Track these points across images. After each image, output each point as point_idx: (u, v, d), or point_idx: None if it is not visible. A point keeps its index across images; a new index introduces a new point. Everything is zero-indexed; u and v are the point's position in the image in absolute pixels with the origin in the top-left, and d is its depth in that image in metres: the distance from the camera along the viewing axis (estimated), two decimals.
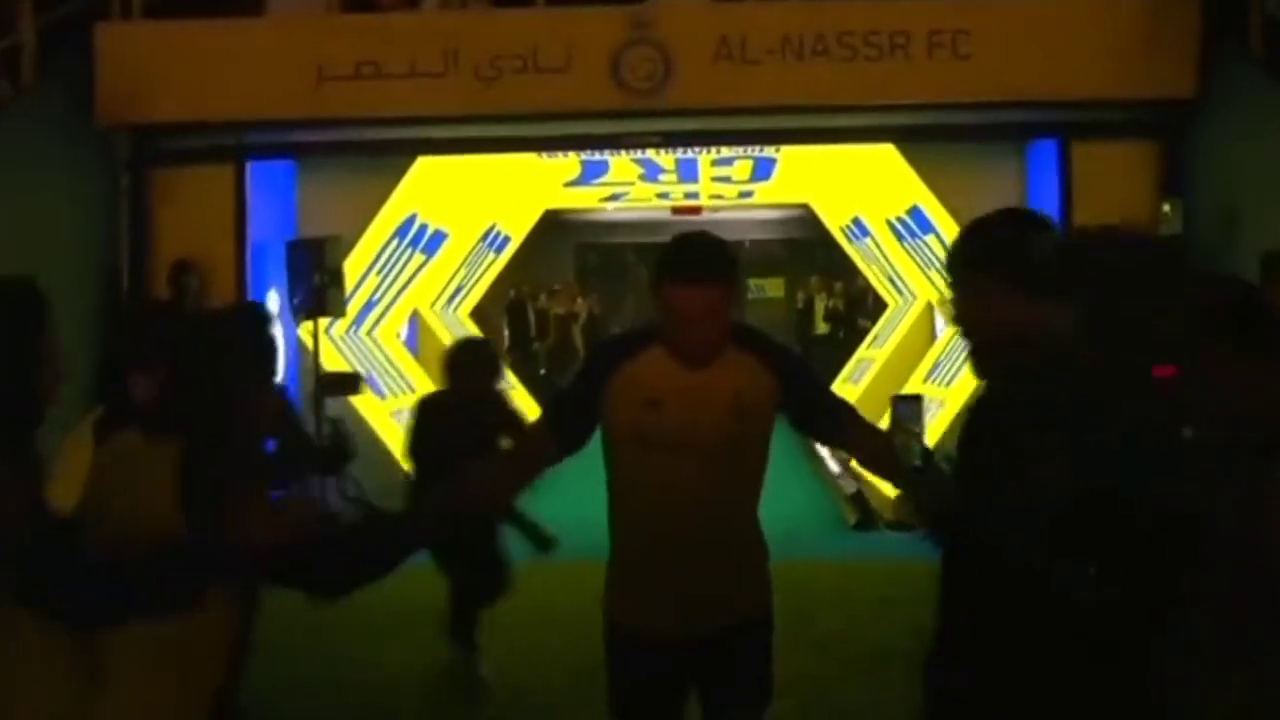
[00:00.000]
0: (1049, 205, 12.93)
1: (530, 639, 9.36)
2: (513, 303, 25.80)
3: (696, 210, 22.35)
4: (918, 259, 16.83)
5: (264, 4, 12.80)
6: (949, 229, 14.12)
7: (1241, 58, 11.11)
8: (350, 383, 12.28)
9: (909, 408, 4.39)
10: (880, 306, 21.90)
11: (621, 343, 5.24)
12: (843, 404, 5.28)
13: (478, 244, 20.03)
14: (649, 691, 5.18)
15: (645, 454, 4.97)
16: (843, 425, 5.17)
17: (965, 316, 3.93)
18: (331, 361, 13.37)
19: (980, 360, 3.94)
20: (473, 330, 20.92)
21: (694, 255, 4.90)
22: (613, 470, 5.04)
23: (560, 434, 5.00)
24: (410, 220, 15.76)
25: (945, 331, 16.59)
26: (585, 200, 20.87)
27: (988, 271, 3.88)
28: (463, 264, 19.69)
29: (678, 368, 4.92)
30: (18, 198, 10.67)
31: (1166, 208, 11.60)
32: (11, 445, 3.71)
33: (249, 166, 13.01)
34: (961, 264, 3.95)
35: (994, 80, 11.93)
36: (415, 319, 18.71)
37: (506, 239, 21.62)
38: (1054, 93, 12.14)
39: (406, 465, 8.59)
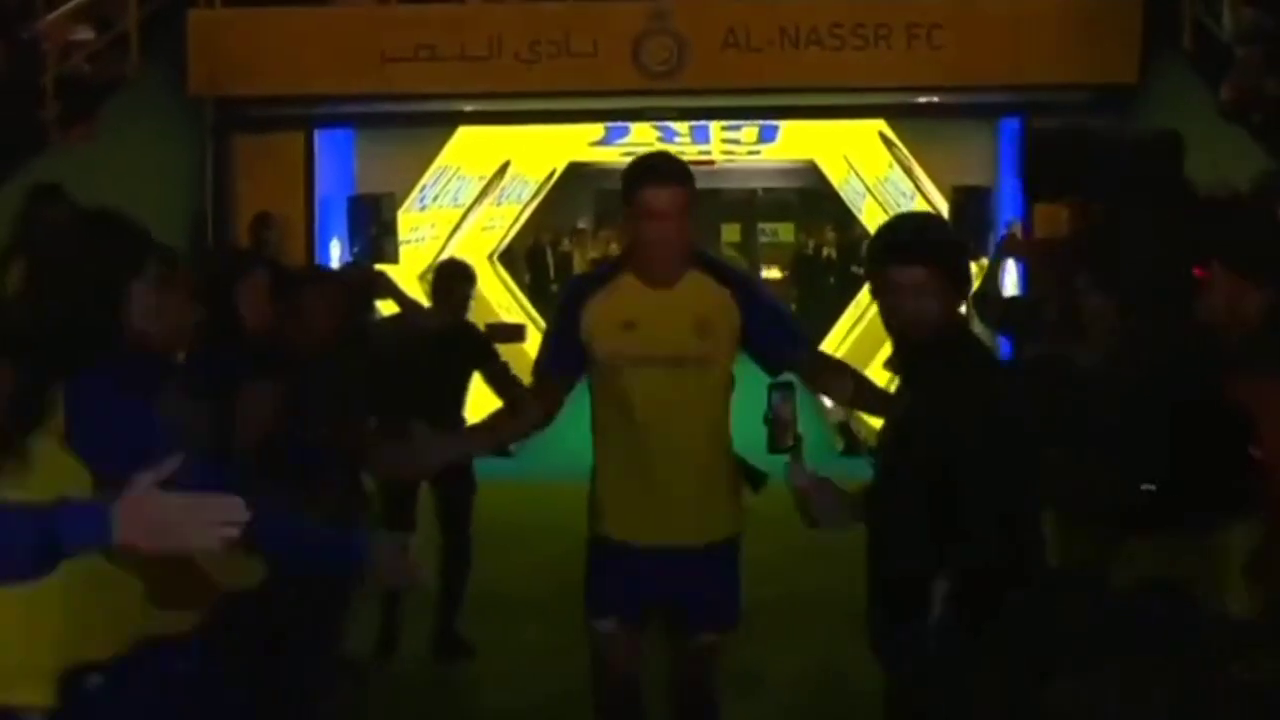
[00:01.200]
0: (1014, 174, 14.81)
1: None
2: (533, 248, 27.24)
3: (710, 163, 23.74)
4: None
5: None
6: (936, 191, 16.01)
7: (1176, 51, 12.75)
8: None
9: (783, 394, 4.51)
10: None
11: (593, 275, 5.87)
12: (800, 333, 5.63)
13: (498, 189, 21.64)
14: (625, 599, 5.45)
15: (620, 373, 5.33)
16: (797, 350, 5.46)
17: (905, 313, 4.21)
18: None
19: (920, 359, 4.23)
20: (502, 273, 22.77)
21: (659, 161, 5.42)
22: (594, 391, 5.42)
23: (560, 375, 5.43)
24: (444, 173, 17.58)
25: None
26: (607, 156, 22.58)
27: (929, 267, 4.18)
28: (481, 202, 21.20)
29: (647, 290, 5.33)
30: (125, 160, 12.41)
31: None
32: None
33: (316, 134, 14.89)
34: (900, 258, 4.21)
35: (964, 67, 13.52)
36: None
37: (529, 187, 23.33)
38: (1017, 77, 13.75)
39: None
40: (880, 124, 16.30)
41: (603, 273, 5.60)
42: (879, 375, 11.29)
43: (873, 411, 6.29)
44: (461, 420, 8.51)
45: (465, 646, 8.66)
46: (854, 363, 12.70)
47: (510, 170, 20.75)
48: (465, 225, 19.26)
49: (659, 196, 5.18)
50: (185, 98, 13.77)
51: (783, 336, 5.44)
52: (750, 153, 22.25)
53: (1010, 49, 13.52)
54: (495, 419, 5.83)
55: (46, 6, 11.91)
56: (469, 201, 19.09)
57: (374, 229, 14.51)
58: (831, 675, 8.20)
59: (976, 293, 8.30)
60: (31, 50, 11.12)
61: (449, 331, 8.52)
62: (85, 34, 12.07)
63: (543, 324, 19.97)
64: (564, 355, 5.39)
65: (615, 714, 5.61)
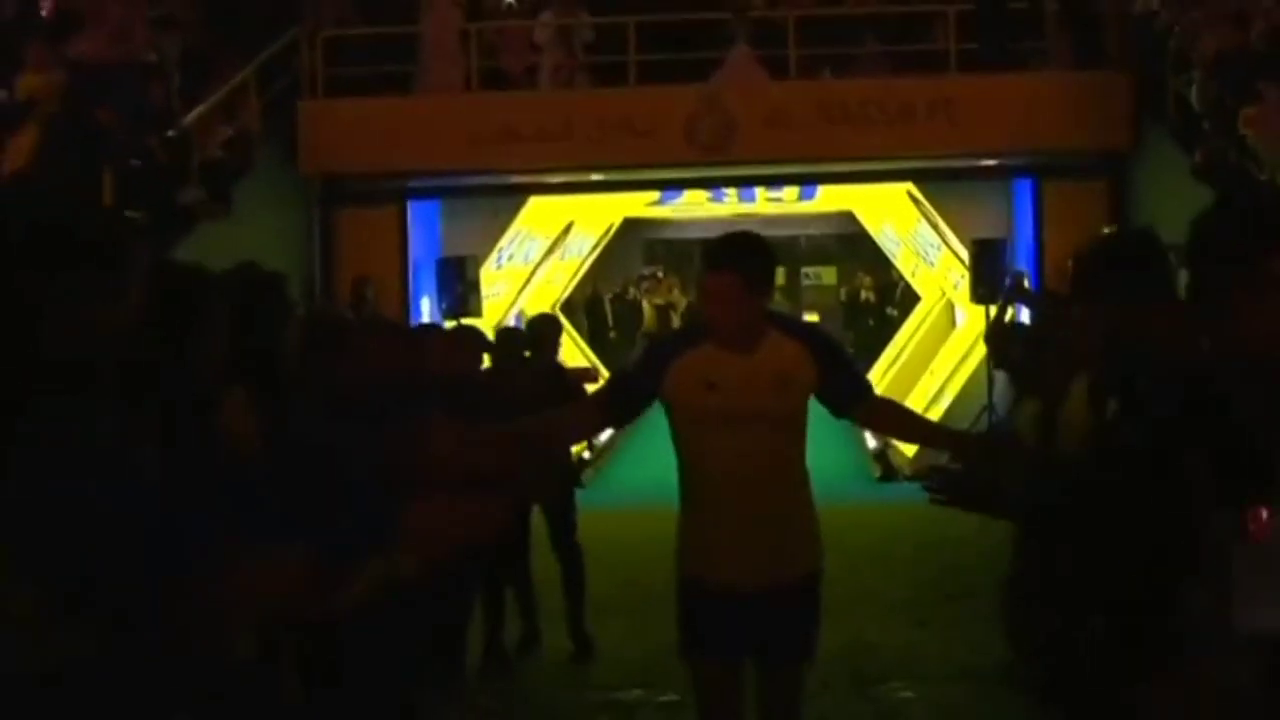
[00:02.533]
0: (1028, 228, 16.77)
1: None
2: (591, 298, 29.02)
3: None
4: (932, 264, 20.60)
5: (412, 83, 16.59)
6: (958, 243, 17.95)
7: (1161, 122, 14.67)
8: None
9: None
10: (906, 299, 25.51)
11: (679, 338, 6.11)
12: (865, 381, 6.00)
13: (563, 246, 23.58)
14: (725, 641, 5.62)
15: (704, 430, 5.55)
16: (862, 399, 5.78)
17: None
18: None
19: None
20: (566, 325, 24.59)
21: (717, 247, 5.66)
22: (678, 445, 5.64)
23: (614, 408, 5.78)
24: (518, 235, 19.59)
25: (962, 323, 20.19)
26: (660, 213, 24.56)
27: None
28: (547, 259, 23.13)
29: (728, 355, 5.50)
30: (250, 233, 14.34)
31: (1106, 231, 15.15)
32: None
33: (409, 205, 16.93)
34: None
35: (978, 136, 15.58)
36: (518, 315, 22.41)
37: (588, 242, 25.26)
38: (1026, 144, 15.83)
39: None
40: (908, 185, 18.25)
41: (687, 338, 5.86)
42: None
43: (937, 447, 7.24)
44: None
45: (591, 643, 9.71)
46: (896, 391, 14.34)
47: (573, 229, 22.70)
48: (534, 281, 21.21)
49: (712, 282, 5.49)
50: (297, 176, 15.84)
51: (851, 386, 5.76)
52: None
53: (1019, 120, 15.52)
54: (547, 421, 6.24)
55: (184, 104, 13.87)
56: (538, 259, 21.06)
57: (460, 287, 16.50)
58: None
59: (985, 333, 10.06)
60: (180, 144, 13.07)
61: (550, 374, 9.72)
62: (224, 129, 13.97)
63: (604, 370, 21.83)
64: (630, 395, 5.70)
65: None
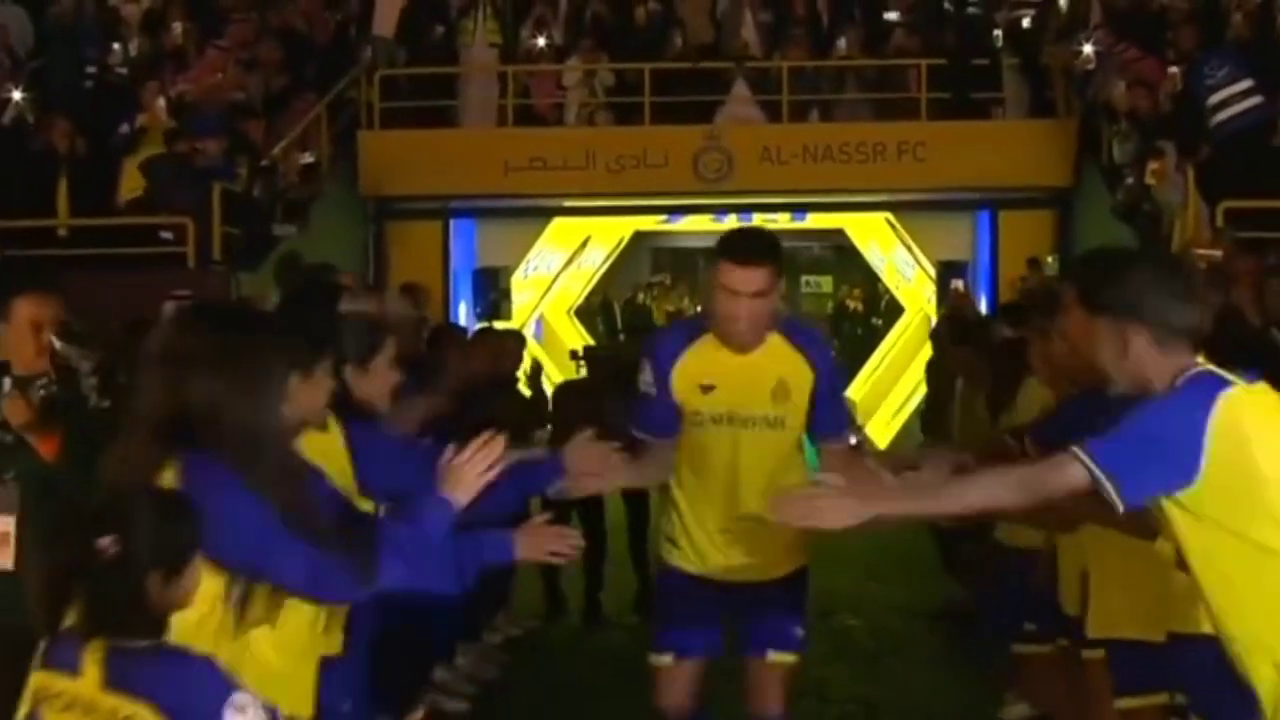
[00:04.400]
0: (985, 251, 19.21)
1: None
2: (603, 303, 30.97)
3: None
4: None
5: (454, 117, 18.89)
6: (928, 263, 20.32)
7: (1096, 164, 16.91)
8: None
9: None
10: (891, 310, 27.65)
11: (676, 336, 5.78)
12: (845, 421, 5.84)
13: (580, 258, 25.80)
14: (688, 635, 5.69)
15: (699, 429, 5.52)
16: (836, 437, 5.57)
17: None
18: None
19: None
20: (579, 326, 26.78)
21: (744, 239, 5.50)
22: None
23: (671, 434, 5.58)
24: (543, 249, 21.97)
25: None
26: (668, 227, 26.80)
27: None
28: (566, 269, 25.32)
29: (728, 354, 5.41)
30: (321, 245, 16.47)
31: (1050, 259, 17.31)
32: None
33: (451, 222, 19.39)
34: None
35: (943, 174, 17.82)
36: (538, 320, 24.70)
37: (601, 253, 27.50)
38: (987, 180, 18.07)
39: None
40: (885, 214, 20.68)
41: (687, 333, 5.65)
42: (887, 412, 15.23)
43: None
44: None
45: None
46: (874, 398, 16.46)
47: (589, 242, 24.99)
48: (554, 289, 23.57)
49: (733, 275, 5.28)
50: (357, 197, 18.22)
51: (830, 419, 5.58)
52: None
53: (980, 160, 17.70)
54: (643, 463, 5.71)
55: (267, 137, 16.24)
56: (558, 269, 23.40)
57: (493, 294, 18.95)
58: None
59: (931, 332, 12.34)
60: (269, 174, 15.51)
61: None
62: (300, 157, 16.39)
63: None
64: (668, 415, 5.56)
65: None
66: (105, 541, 3.17)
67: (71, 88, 16.97)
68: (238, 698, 3.21)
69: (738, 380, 5.46)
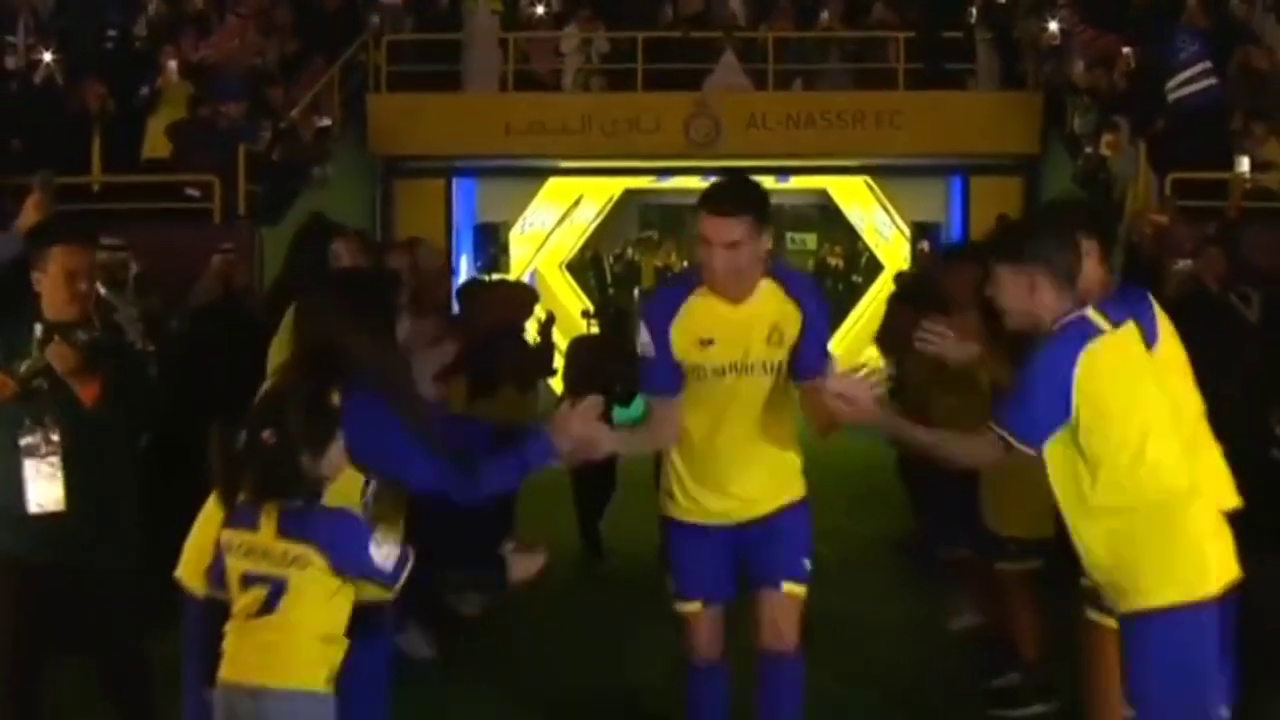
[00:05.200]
0: (958, 213, 20.35)
1: None
2: (593, 258, 31.87)
3: None
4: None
5: (458, 81, 19.75)
6: (904, 225, 21.44)
7: (1061, 133, 17.98)
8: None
9: None
10: (870, 267, 28.76)
11: (669, 294, 5.62)
12: (826, 361, 5.58)
13: (572, 214, 26.85)
14: (708, 581, 5.72)
15: (700, 381, 5.47)
16: (817, 376, 5.38)
17: None
18: None
19: None
20: (570, 279, 27.78)
21: (721, 191, 5.32)
22: None
23: (677, 391, 5.51)
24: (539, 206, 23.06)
25: None
26: (657, 186, 27.82)
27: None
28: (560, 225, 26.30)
29: (722, 305, 5.37)
30: (334, 199, 17.38)
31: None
32: None
33: (454, 181, 20.46)
34: None
35: (919, 141, 18.94)
36: (533, 273, 25.76)
37: (593, 210, 28.53)
38: (960, 148, 19.20)
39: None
40: (865, 178, 21.81)
41: (681, 290, 5.55)
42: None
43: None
44: None
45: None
46: (853, 353, 17.22)
47: (581, 200, 26.06)
48: (548, 244, 24.69)
49: (710, 226, 5.23)
50: (367, 155, 19.26)
51: (809, 358, 5.52)
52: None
53: (953, 128, 18.85)
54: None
55: (284, 99, 17.26)
56: (552, 226, 24.50)
57: (492, 248, 20.08)
58: None
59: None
60: (289, 133, 16.56)
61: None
62: (315, 119, 17.42)
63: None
64: (668, 374, 5.51)
65: (696, 696, 5.94)
66: (267, 433, 4.29)
67: (94, 50, 17.89)
68: (377, 535, 4.32)
69: (736, 331, 5.44)
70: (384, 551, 4.30)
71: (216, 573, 4.46)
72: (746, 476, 5.59)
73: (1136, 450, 4.84)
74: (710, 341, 5.44)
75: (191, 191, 15.38)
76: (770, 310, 5.44)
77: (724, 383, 5.48)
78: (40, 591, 5.71)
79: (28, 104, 16.02)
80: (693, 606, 5.79)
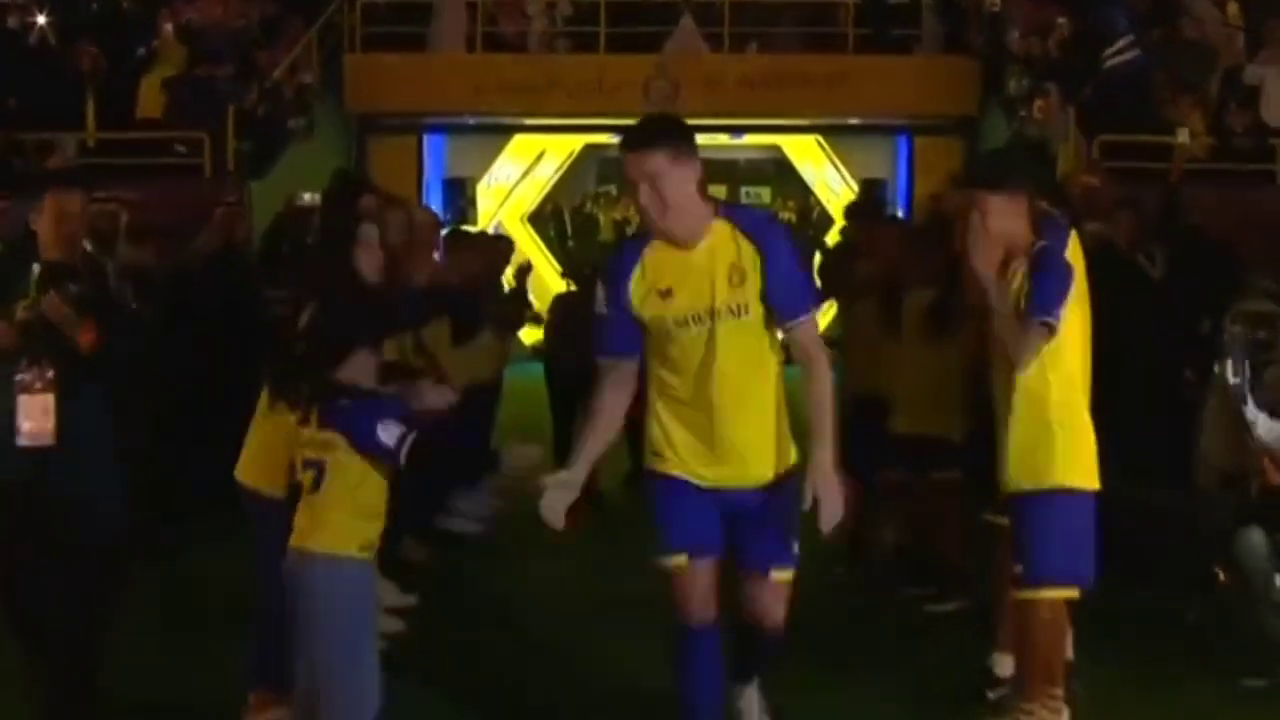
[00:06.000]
0: (904, 171, 21.50)
1: None
2: (553, 211, 32.82)
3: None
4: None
5: (428, 42, 20.42)
6: (852, 180, 22.50)
7: (999, 96, 18.89)
8: None
9: None
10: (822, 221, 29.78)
11: (627, 252, 5.53)
12: (807, 298, 5.45)
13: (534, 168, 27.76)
14: (693, 532, 5.49)
15: (668, 337, 5.38)
16: (797, 315, 5.34)
17: None
18: None
19: None
20: (531, 231, 28.66)
21: (634, 128, 5.31)
22: (645, 348, 5.48)
23: (632, 354, 5.51)
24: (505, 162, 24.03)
25: None
26: (616, 142, 28.70)
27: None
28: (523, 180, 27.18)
29: (676, 253, 5.30)
30: (314, 152, 18.27)
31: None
32: None
33: (425, 138, 21.44)
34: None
35: (866, 103, 20.02)
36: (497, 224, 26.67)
37: (554, 165, 29.47)
38: (905, 109, 20.34)
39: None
40: (816, 136, 22.87)
41: (637, 246, 5.49)
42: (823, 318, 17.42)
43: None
44: None
45: None
46: None
47: (544, 155, 26.99)
48: (511, 197, 25.66)
49: (628, 163, 5.23)
50: (343, 113, 20.20)
51: (786, 297, 5.36)
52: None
53: (899, 90, 19.88)
54: (589, 441, 5.62)
55: (266, 59, 18.16)
56: (516, 180, 25.47)
57: (461, 201, 21.11)
58: None
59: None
60: (273, 92, 17.51)
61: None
62: (296, 78, 18.36)
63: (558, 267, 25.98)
64: (624, 333, 5.48)
65: (686, 659, 5.65)
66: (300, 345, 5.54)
67: (84, 12, 18.73)
68: (387, 421, 5.27)
69: (695, 276, 5.33)
70: (389, 431, 5.25)
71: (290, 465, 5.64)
72: (736, 439, 5.45)
73: (1080, 345, 6.02)
74: (669, 291, 5.36)
75: (180, 148, 16.30)
76: (725, 250, 5.32)
77: (696, 336, 5.37)
78: (24, 517, 6.04)
79: (23, 63, 16.89)
80: (679, 559, 5.55)
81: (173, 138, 16.35)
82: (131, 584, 6.56)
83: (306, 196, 14.29)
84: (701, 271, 5.32)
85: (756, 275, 5.30)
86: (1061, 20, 17.49)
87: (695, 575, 5.53)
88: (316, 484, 5.41)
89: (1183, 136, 15.14)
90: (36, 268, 6.06)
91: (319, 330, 5.66)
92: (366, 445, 5.33)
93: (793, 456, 5.55)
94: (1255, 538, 7.26)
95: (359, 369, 5.42)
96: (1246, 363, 8.50)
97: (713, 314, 5.33)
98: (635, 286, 5.40)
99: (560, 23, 20.88)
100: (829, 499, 5.26)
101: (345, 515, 5.38)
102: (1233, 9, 17.81)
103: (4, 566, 6.09)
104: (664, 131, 5.27)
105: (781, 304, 5.35)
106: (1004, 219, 6.01)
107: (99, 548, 6.09)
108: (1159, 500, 8.99)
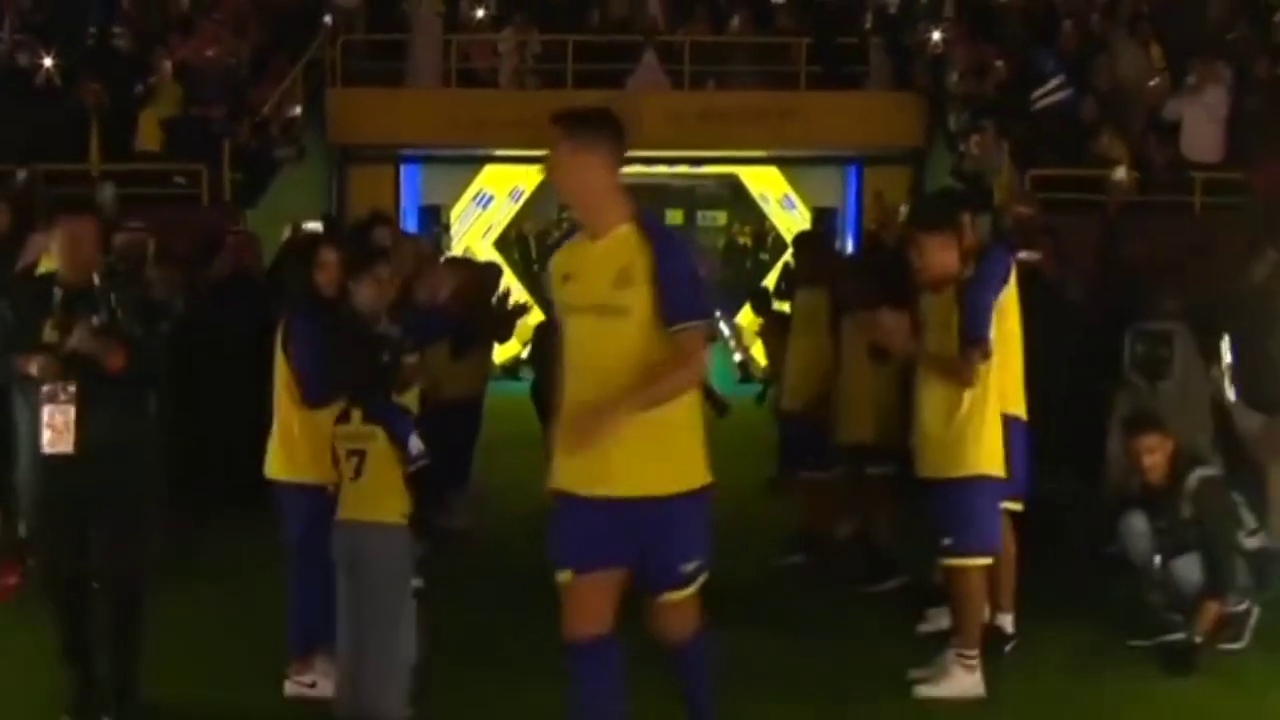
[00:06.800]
0: (853, 199, 22.75)
1: None
2: (518, 235, 34.01)
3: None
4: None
5: (405, 77, 21.71)
6: (806, 210, 23.78)
7: (943, 130, 20.20)
8: None
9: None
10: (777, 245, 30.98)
11: (566, 234, 6.12)
12: (687, 310, 5.40)
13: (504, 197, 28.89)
14: (577, 550, 5.50)
15: (567, 323, 5.55)
16: (672, 323, 5.36)
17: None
18: None
19: None
20: (497, 255, 29.74)
21: (553, 118, 5.57)
22: None
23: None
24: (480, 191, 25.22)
25: None
26: None
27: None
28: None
29: (586, 244, 5.44)
30: (300, 179, 19.64)
31: (904, 207, 20.68)
32: None
33: (402, 167, 22.63)
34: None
35: (818, 136, 21.32)
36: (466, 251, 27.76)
37: (522, 191, 30.63)
38: (855, 141, 21.64)
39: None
40: (772, 168, 24.15)
41: (572, 231, 5.74)
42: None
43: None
44: None
45: None
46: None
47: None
48: (479, 223, 26.77)
49: (550, 154, 5.51)
50: (326, 143, 21.36)
51: (672, 302, 5.36)
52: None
53: (849, 124, 21.23)
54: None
55: (256, 94, 19.34)
56: (487, 208, 26.61)
57: (436, 228, 22.25)
58: None
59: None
60: (262, 126, 18.71)
61: None
62: (294, 111, 19.55)
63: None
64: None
65: (578, 674, 5.62)
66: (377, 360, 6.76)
67: (79, 49, 19.80)
68: (414, 436, 6.64)
69: (588, 268, 5.41)
70: (415, 443, 6.63)
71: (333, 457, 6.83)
72: (616, 443, 5.31)
73: (1001, 352, 7.41)
74: (568, 277, 5.50)
75: (179, 180, 17.47)
76: (621, 251, 5.37)
77: (583, 327, 5.46)
78: (63, 526, 6.73)
79: (31, 99, 18.03)
80: (563, 575, 5.56)
81: (172, 169, 17.48)
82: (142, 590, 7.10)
83: (309, 225, 15.39)
84: (595, 266, 5.42)
85: (646, 283, 5.34)
86: (998, 62, 18.84)
87: (579, 591, 5.54)
88: (358, 471, 6.67)
89: (1119, 174, 16.48)
90: (57, 291, 6.58)
91: (389, 348, 6.93)
92: (401, 441, 6.63)
93: (698, 477, 5.55)
94: (1137, 523, 8.55)
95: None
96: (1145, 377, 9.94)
97: (596, 309, 5.40)
98: (553, 269, 5.65)
99: (530, 60, 22.03)
100: (582, 423, 5.35)
101: (388, 490, 6.67)
102: (1155, 51, 19.17)
103: (53, 543, 6.86)
104: (571, 123, 5.53)
105: (665, 309, 5.37)
106: (937, 255, 7.43)
107: (134, 519, 6.83)
108: (1075, 491, 10.30)
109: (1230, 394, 10.39)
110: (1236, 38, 19.07)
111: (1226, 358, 10.29)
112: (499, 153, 22.86)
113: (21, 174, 15.07)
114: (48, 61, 18.70)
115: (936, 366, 7.46)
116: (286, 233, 16.18)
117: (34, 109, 17.88)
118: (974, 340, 7.27)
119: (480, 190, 25.14)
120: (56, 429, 6.49)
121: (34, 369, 6.51)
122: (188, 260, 13.06)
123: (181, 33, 19.62)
